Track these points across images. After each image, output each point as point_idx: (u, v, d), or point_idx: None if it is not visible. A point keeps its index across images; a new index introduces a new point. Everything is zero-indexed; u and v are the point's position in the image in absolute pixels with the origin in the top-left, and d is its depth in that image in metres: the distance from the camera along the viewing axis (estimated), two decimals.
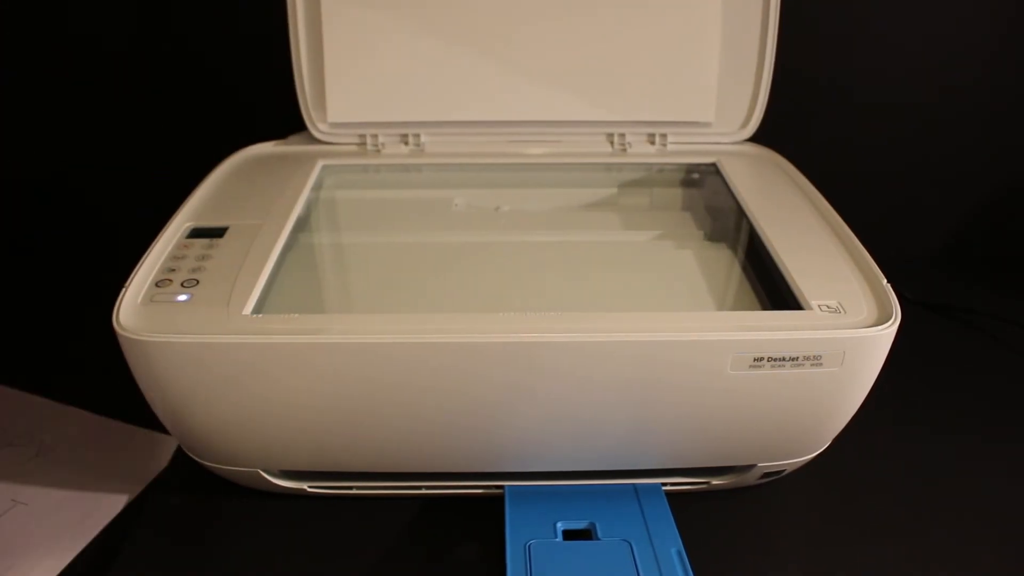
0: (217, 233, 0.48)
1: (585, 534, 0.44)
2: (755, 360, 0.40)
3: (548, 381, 0.40)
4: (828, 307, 0.41)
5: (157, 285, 0.43)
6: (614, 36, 0.58)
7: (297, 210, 0.50)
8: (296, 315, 0.41)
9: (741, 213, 0.51)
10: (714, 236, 0.46)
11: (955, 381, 0.62)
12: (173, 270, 0.44)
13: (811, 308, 0.41)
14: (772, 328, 0.39)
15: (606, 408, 0.42)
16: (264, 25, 0.75)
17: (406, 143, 0.61)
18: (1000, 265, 0.78)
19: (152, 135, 0.80)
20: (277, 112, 0.77)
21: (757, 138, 0.62)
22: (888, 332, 0.40)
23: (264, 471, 0.47)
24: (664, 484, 0.48)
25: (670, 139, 0.61)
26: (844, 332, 0.39)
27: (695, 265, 0.43)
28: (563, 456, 0.45)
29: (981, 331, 0.68)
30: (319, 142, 0.61)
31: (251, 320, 0.40)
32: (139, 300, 0.42)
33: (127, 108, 0.78)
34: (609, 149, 0.61)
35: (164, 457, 0.52)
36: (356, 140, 0.61)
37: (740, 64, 0.60)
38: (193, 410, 0.42)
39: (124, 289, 0.42)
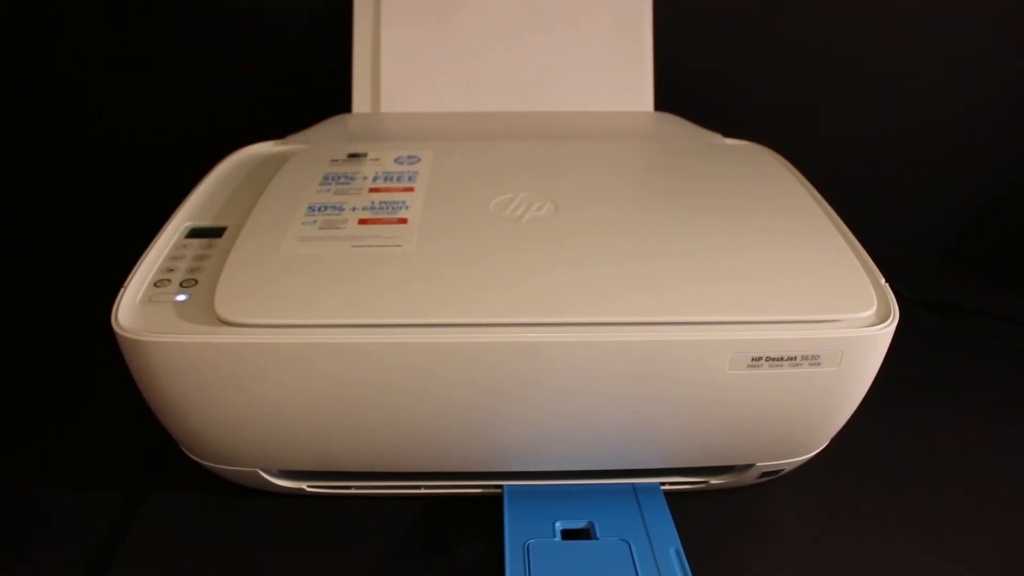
0: (216, 233, 0.48)
1: (584, 534, 0.44)
2: (753, 360, 0.40)
3: (546, 381, 0.40)
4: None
5: (156, 285, 0.43)
6: None
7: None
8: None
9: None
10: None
11: (954, 380, 0.62)
12: (172, 270, 0.44)
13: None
14: (770, 328, 0.39)
15: (604, 408, 0.42)
16: (264, 25, 0.75)
17: None
18: (1000, 265, 0.78)
19: (151, 134, 0.80)
20: (276, 111, 0.77)
21: (758, 137, 0.62)
22: (886, 332, 0.40)
23: (263, 471, 0.47)
24: (663, 483, 0.48)
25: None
26: (842, 332, 0.39)
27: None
28: (562, 456, 0.45)
29: (980, 330, 0.68)
30: None
31: None
32: (138, 300, 0.42)
33: (126, 107, 0.78)
34: None
35: (164, 457, 0.52)
36: None
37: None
38: (192, 410, 0.42)
39: (123, 289, 0.42)
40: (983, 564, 0.46)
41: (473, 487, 0.48)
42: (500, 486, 0.47)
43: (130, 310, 0.41)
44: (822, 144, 0.76)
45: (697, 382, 0.40)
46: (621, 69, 0.65)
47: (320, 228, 0.45)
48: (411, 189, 0.50)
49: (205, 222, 0.49)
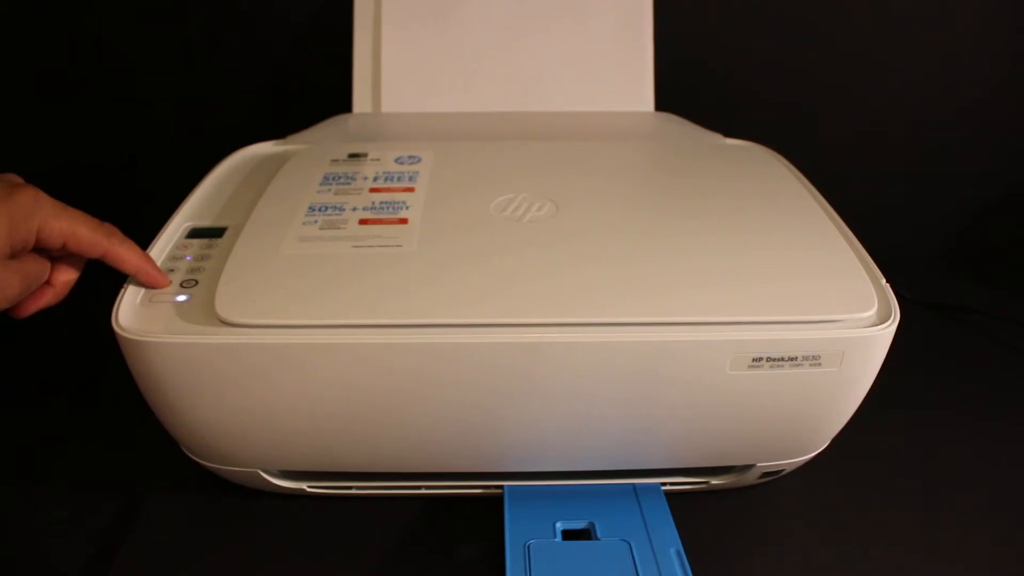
0: (216, 233, 0.48)
1: (584, 534, 0.44)
2: (754, 360, 0.40)
3: (547, 381, 0.40)
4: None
5: None
6: None
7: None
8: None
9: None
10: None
11: (954, 380, 0.62)
12: (172, 270, 0.44)
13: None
14: (771, 328, 0.39)
15: (605, 408, 0.42)
16: (264, 25, 0.75)
17: None
18: (1000, 265, 0.78)
19: (151, 134, 0.80)
20: (277, 111, 0.77)
21: (758, 137, 0.62)
22: (887, 332, 0.40)
23: (263, 471, 0.47)
24: (663, 484, 0.48)
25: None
26: (843, 332, 0.39)
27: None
28: (562, 456, 0.45)
29: (981, 330, 0.68)
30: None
31: None
32: (138, 300, 0.42)
33: (127, 107, 0.78)
34: None
35: (164, 457, 0.52)
36: None
37: None
38: (193, 410, 0.42)
39: (123, 289, 0.42)
40: (983, 564, 0.46)
41: (474, 487, 0.48)
42: (501, 486, 0.47)
43: (130, 310, 0.41)
44: (823, 144, 0.76)
45: (698, 382, 0.40)
46: (622, 69, 0.65)
47: (321, 228, 0.45)
48: (412, 189, 0.50)
49: (205, 222, 0.49)
